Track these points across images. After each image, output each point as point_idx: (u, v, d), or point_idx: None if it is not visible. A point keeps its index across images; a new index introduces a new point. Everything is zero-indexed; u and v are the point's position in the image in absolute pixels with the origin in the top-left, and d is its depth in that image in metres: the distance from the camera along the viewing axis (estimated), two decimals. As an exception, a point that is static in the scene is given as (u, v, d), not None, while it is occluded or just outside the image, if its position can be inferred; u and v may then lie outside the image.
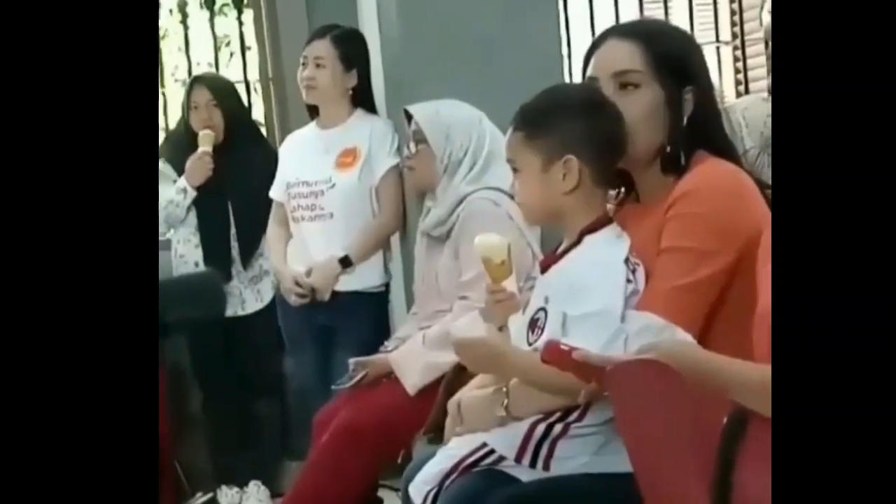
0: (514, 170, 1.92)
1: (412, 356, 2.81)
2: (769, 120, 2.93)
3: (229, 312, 3.61)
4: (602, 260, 1.82)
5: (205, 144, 3.54)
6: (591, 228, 1.84)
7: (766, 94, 3.15)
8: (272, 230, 3.46)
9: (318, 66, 3.38)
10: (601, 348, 1.60)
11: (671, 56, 1.86)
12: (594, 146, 1.83)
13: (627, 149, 1.84)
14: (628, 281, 1.80)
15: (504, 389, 1.90)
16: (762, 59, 4.64)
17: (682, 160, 1.86)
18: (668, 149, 1.86)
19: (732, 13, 4.96)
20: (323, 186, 3.34)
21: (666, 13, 4.64)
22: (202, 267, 3.60)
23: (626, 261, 1.81)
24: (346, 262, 3.32)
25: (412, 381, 2.78)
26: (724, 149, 1.90)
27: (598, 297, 1.77)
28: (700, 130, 1.87)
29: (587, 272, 1.81)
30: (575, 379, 1.55)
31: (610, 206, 1.94)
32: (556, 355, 1.45)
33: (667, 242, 1.80)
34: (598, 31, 4.42)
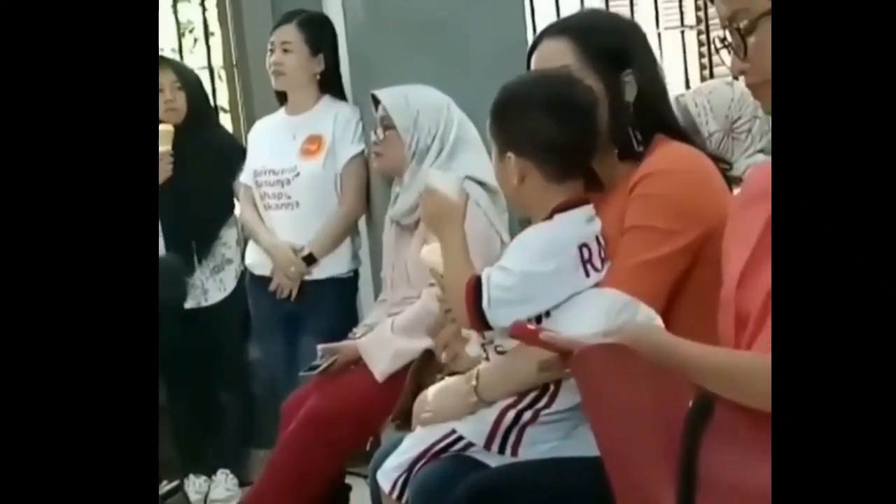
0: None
1: (381, 343, 2.81)
2: (733, 103, 2.96)
3: (192, 304, 3.58)
4: (537, 231, 1.83)
5: (164, 143, 3.49)
6: (563, 207, 1.84)
7: (729, 79, 3.18)
8: (246, 212, 3.43)
9: (284, 51, 3.35)
10: (498, 300, 1.74)
11: (604, 45, 1.90)
12: (539, 146, 1.82)
13: (595, 145, 1.85)
14: (590, 265, 1.81)
15: (475, 374, 1.90)
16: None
17: (635, 143, 1.88)
18: (613, 134, 1.87)
19: (697, -3, 4.98)
20: (289, 175, 3.33)
21: (631, -4, 4.65)
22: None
23: (583, 246, 1.81)
24: (310, 260, 3.30)
25: (381, 367, 2.78)
26: (675, 127, 1.94)
27: (516, 259, 1.79)
28: (648, 109, 1.90)
29: (529, 237, 1.83)
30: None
31: None
32: (523, 333, 1.46)
33: (630, 222, 1.83)
34: (562, 8, 4.44)
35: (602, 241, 1.84)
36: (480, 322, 1.82)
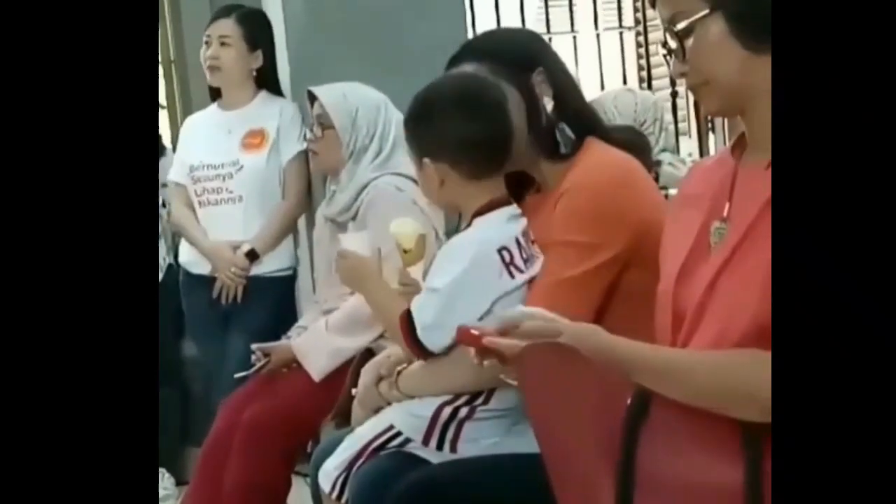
0: None
1: (316, 342, 2.79)
2: (637, 107, 3.39)
3: None
4: (457, 243, 1.87)
5: None
6: (481, 211, 1.86)
7: (630, 86, 3.60)
8: (181, 212, 3.36)
9: (222, 44, 3.32)
10: (430, 325, 1.81)
11: (510, 56, 1.93)
12: (451, 147, 1.85)
13: (509, 140, 1.86)
14: (514, 266, 1.82)
15: (398, 369, 1.93)
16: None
17: (562, 146, 1.90)
18: (533, 135, 1.89)
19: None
20: (230, 169, 3.29)
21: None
22: None
23: (503, 249, 1.82)
24: (252, 256, 3.27)
25: (317, 367, 2.76)
26: (598, 125, 1.96)
27: (440, 277, 1.83)
28: (568, 109, 1.92)
29: (450, 250, 1.87)
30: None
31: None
32: (467, 338, 1.46)
33: (554, 236, 1.84)
34: (501, 7, 4.45)
35: (525, 241, 1.86)
36: (421, 351, 1.86)
